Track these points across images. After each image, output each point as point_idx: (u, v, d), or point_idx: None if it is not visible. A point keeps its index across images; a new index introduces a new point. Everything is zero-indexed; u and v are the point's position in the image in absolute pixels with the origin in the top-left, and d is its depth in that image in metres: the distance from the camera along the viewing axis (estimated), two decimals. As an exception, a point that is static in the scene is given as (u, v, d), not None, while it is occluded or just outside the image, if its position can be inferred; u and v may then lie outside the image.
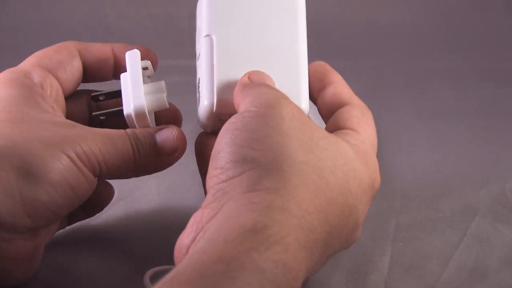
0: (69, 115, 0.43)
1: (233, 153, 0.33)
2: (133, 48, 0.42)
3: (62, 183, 0.36)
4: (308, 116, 0.40)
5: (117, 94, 0.42)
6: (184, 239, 0.32)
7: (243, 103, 0.36)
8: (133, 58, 0.41)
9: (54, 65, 0.41)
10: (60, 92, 0.41)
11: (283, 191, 0.31)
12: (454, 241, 0.50)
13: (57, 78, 0.41)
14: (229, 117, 0.36)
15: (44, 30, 0.87)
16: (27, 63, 0.41)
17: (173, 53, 0.80)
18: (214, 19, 0.40)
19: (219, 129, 0.39)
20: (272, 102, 0.34)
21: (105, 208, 0.47)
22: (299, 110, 0.35)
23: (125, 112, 0.41)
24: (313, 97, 0.41)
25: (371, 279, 0.46)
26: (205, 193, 0.38)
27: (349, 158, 0.35)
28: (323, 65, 0.41)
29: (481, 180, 0.59)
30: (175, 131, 0.41)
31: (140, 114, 0.41)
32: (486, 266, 0.47)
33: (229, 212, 0.31)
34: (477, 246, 0.49)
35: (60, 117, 0.40)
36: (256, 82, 0.37)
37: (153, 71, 0.43)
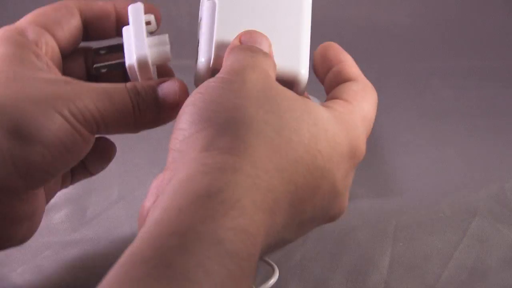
0: (66, 72, 0.42)
1: (190, 114, 0.32)
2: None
3: (55, 143, 0.35)
4: (308, 97, 0.40)
5: (119, 48, 0.42)
6: (146, 203, 0.32)
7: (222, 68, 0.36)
8: (136, 11, 0.41)
9: (50, 23, 0.40)
10: (57, 50, 0.41)
11: (236, 150, 0.30)
12: (454, 241, 0.50)
13: (53, 36, 0.40)
14: None
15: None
16: (23, 21, 0.40)
17: (173, 53, 0.80)
18: None
19: None
20: (238, 69, 0.34)
21: (105, 208, 0.47)
22: (268, 77, 0.34)
23: (127, 63, 0.40)
24: (321, 77, 0.40)
25: (371, 279, 0.46)
26: None
27: (320, 120, 0.34)
28: (333, 45, 0.40)
29: (481, 180, 0.59)
30: (177, 83, 0.39)
31: (142, 65, 0.39)
32: (486, 266, 0.47)
33: (183, 173, 0.30)
34: (477, 246, 0.49)
35: (56, 74, 0.39)
36: (245, 43, 0.37)
37: (156, 26, 0.42)
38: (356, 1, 0.93)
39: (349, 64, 0.39)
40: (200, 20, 0.41)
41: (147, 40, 0.40)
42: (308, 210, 0.33)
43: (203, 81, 0.39)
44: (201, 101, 0.33)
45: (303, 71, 0.39)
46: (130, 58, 0.40)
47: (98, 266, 0.46)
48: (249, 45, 0.36)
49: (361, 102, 0.37)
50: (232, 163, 0.30)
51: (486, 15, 0.92)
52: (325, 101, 0.38)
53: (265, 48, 0.37)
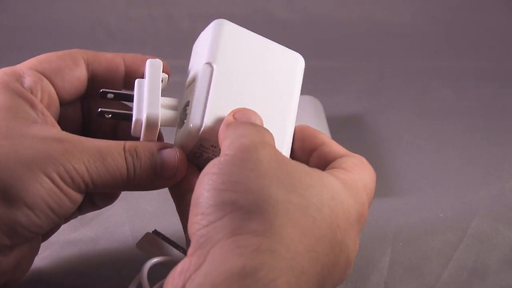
0: (61, 115, 0.41)
1: (212, 197, 0.31)
2: (145, 58, 0.41)
3: (41, 205, 0.35)
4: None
5: (127, 97, 0.41)
6: None
7: (223, 144, 0.35)
8: (155, 67, 0.40)
9: (51, 71, 0.40)
10: (54, 97, 0.40)
11: (269, 232, 0.30)
12: (454, 241, 0.50)
13: (53, 84, 0.40)
14: (210, 146, 0.36)
15: (44, 30, 0.87)
16: (24, 65, 0.40)
17: (173, 53, 0.80)
18: (218, 49, 0.39)
19: (194, 156, 0.39)
20: (248, 145, 0.33)
21: (105, 208, 0.47)
22: (277, 151, 0.34)
23: (134, 117, 0.39)
24: (302, 159, 0.40)
25: (371, 279, 0.46)
26: (186, 237, 0.36)
27: (336, 192, 0.34)
28: (308, 128, 0.40)
29: (481, 180, 0.59)
30: (178, 152, 0.38)
31: (151, 124, 0.38)
32: (486, 266, 0.47)
33: (216, 257, 0.30)
34: (477, 246, 0.49)
35: (51, 126, 0.38)
36: (240, 120, 0.36)
37: (165, 85, 0.41)
38: (356, 1, 0.93)
39: (332, 144, 0.39)
40: (193, 81, 0.40)
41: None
42: (328, 284, 0.33)
43: (186, 145, 0.38)
44: (220, 183, 0.32)
45: (284, 153, 0.38)
46: (140, 113, 0.39)
47: (98, 266, 0.46)
48: (249, 121, 0.36)
49: (361, 172, 0.37)
50: (268, 245, 0.30)
51: (486, 15, 0.92)
52: None
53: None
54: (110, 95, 0.41)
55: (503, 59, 0.86)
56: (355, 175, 0.36)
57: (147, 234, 0.40)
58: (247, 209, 0.31)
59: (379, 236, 0.50)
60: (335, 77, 0.81)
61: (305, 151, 0.40)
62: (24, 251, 0.39)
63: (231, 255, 0.29)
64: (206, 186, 0.32)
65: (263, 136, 0.35)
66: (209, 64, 0.39)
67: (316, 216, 0.32)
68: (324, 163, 0.39)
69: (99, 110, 0.40)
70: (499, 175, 0.60)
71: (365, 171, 0.38)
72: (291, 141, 0.40)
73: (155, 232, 0.40)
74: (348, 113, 0.73)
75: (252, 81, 0.39)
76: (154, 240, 0.40)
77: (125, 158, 0.37)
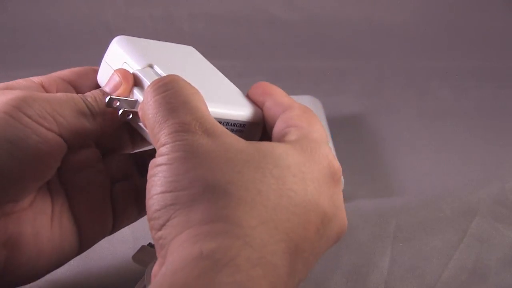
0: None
1: (156, 203, 0.32)
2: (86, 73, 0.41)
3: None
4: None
5: (131, 104, 0.39)
6: None
7: (157, 133, 0.34)
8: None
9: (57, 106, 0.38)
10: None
11: (214, 217, 0.31)
12: (454, 241, 0.50)
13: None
14: None
15: (44, 30, 0.87)
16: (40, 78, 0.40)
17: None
18: (144, 53, 0.39)
19: None
20: (180, 135, 0.33)
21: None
22: (210, 127, 0.34)
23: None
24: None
25: (371, 279, 0.46)
26: None
27: (280, 159, 0.34)
28: (259, 84, 0.40)
29: (481, 180, 0.59)
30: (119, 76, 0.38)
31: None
32: (486, 266, 0.47)
33: (173, 251, 0.30)
34: (477, 246, 0.49)
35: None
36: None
37: None
38: (356, 1, 0.93)
39: (281, 95, 0.39)
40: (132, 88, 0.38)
41: None
42: (307, 247, 0.33)
43: None
44: (159, 185, 0.32)
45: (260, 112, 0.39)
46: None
47: (97, 267, 0.46)
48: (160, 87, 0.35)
49: (310, 121, 0.37)
50: (218, 228, 0.30)
51: (486, 15, 0.92)
52: (273, 135, 0.38)
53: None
54: (116, 103, 0.38)
55: (503, 59, 0.86)
56: (307, 129, 0.37)
57: (143, 247, 0.41)
58: (188, 204, 0.31)
59: (379, 236, 0.50)
60: (335, 77, 0.81)
61: (259, 104, 0.40)
62: (18, 224, 0.37)
63: (187, 245, 0.30)
64: (151, 189, 0.33)
65: (189, 113, 0.34)
66: (149, 65, 0.38)
67: (261, 189, 0.32)
68: (272, 115, 0.39)
69: (109, 97, 0.37)
70: (499, 175, 0.60)
71: (311, 119, 0.38)
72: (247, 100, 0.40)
73: (150, 245, 0.41)
74: (348, 113, 0.73)
75: (188, 74, 0.38)
76: (150, 253, 0.40)
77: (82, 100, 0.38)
